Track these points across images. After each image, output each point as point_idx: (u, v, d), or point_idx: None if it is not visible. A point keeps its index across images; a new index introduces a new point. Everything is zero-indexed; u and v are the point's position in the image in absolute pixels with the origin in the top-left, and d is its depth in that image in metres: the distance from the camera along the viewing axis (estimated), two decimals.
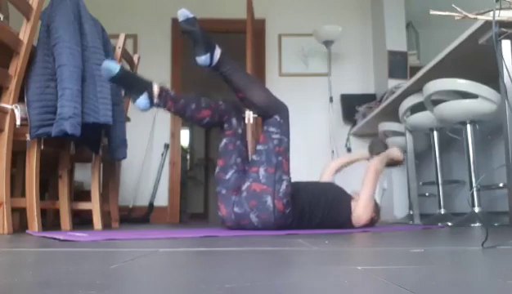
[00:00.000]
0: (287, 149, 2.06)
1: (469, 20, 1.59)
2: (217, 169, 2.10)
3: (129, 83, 1.94)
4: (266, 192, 1.95)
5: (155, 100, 1.98)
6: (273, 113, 2.07)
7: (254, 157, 2.04)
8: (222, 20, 4.53)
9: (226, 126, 2.12)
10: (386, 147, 2.43)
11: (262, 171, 1.98)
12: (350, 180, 2.94)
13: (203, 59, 1.99)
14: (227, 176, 2.03)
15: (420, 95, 2.74)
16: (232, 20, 4.49)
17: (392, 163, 2.44)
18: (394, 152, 2.42)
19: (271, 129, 2.06)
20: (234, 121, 2.12)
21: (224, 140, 2.11)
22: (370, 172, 2.23)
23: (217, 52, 2.03)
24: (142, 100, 1.95)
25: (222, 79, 2.10)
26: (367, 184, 2.20)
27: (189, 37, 2.01)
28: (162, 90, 1.99)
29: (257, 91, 2.08)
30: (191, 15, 1.99)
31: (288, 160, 2.05)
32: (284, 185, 1.98)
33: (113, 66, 1.87)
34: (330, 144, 4.29)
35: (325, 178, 2.56)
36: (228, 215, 2.01)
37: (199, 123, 2.11)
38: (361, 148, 4.41)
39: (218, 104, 2.09)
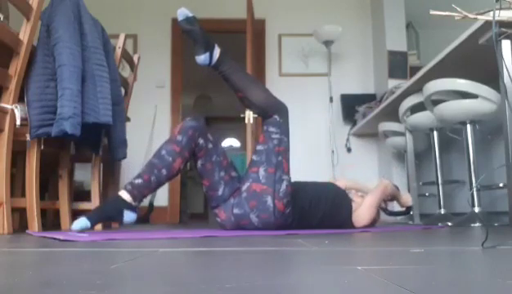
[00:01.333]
0: (287, 149, 2.06)
1: (469, 19, 1.59)
2: (204, 188, 2.04)
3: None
4: (266, 192, 1.95)
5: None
6: (273, 112, 2.07)
7: (254, 157, 2.04)
8: (222, 19, 4.53)
9: (196, 150, 1.98)
10: (397, 189, 2.40)
11: (261, 171, 1.98)
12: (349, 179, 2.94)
13: (202, 58, 2.00)
14: (220, 193, 2.00)
15: (420, 95, 2.74)
16: (232, 20, 4.49)
17: (397, 211, 2.44)
18: (406, 195, 2.40)
19: (271, 129, 2.05)
20: (200, 141, 1.98)
21: (199, 162, 1.99)
22: (380, 187, 2.24)
23: (217, 51, 2.03)
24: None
25: (221, 78, 2.10)
26: (375, 194, 2.21)
27: (188, 36, 2.02)
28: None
29: (256, 90, 2.08)
30: (191, 14, 2.00)
31: (288, 160, 2.05)
32: (284, 185, 1.98)
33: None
34: (330, 144, 4.29)
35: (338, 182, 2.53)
36: (227, 218, 2.00)
37: (176, 175, 1.99)
38: (360, 148, 4.41)
39: (178, 142, 1.94)
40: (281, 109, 2.09)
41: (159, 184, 1.94)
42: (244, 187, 1.98)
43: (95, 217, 1.85)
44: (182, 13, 1.99)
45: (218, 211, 2.02)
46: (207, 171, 1.99)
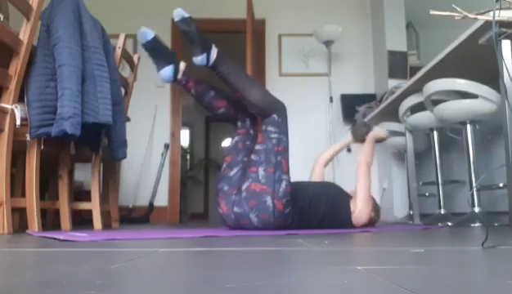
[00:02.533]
0: (286, 149, 2.06)
1: (469, 19, 1.58)
2: (223, 165, 2.13)
3: (159, 52, 2.05)
4: (265, 192, 1.95)
5: (179, 76, 2.09)
6: (271, 112, 2.07)
7: (253, 157, 2.04)
8: (222, 19, 4.53)
9: (239, 124, 2.18)
10: (369, 128, 2.45)
11: (261, 170, 1.98)
12: (349, 179, 2.94)
13: (199, 59, 2.01)
14: (232, 173, 2.05)
15: (420, 95, 2.74)
16: (232, 20, 4.49)
17: (377, 141, 2.50)
18: (377, 133, 2.46)
19: (270, 128, 2.05)
20: (248, 121, 2.17)
21: (235, 138, 2.16)
22: (362, 167, 2.24)
23: (214, 52, 2.04)
24: (167, 71, 2.06)
25: (219, 79, 2.10)
26: (361, 181, 2.21)
27: (185, 36, 2.02)
28: (187, 69, 2.10)
29: (254, 90, 2.09)
30: (187, 15, 2.01)
31: (287, 160, 2.05)
32: (283, 185, 1.97)
33: (148, 32, 2.01)
34: (330, 144, 4.29)
35: (317, 173, 2.57)
36: (228, 213, 2.01)
37: (214, 112, 2.17)
38: (360, 148, 4.41)
39: (237, 99, 2.15)
40: (280, 109, 2.09)
41: (201, 94, 2.14)
42: (244, 186, 1.98)
43: (159, 40, 2.04)
44: (179, 14, 2.00)
45: (221, 201, 2.04)
46: (236, 149, 2.13)
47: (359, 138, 2.51)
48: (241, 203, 1.97)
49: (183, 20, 2.00)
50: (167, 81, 2.09)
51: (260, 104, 2.07)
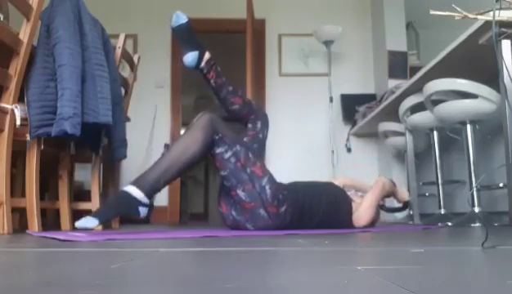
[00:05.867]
0: (247, 154, 1.93)
1: (469, 20, 1.59)
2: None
3: (187, 38, 2.08)
4: (256, 206, 1.93)
5: (202, 64, 2.10)
6: (210, 142, 1.89)
7: (225, 182, 1.94)
8: (222, 19, 4.53)
9: (250, 126, 2.18)
10: (394, 185, 2.40)
11: (240, 192, 1.91)
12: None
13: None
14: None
15: (420, 95, 2.74)
16: (232, 20, 4.48)
17: (395, 208, 2.46)
18: (402, 190, 2.40)
19: (219, 150, 1.91)
20: (259, 124, 2.17)
21: (244, 139, 2.15)
22: (378, 185, 2.23)
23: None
24: (192, 56, 2.07)
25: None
26: (374, 192, 2.20)
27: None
28: (211, 59, 2.12)
29: (188, 145, 1.87)
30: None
31: (256, 162, 1.94)
32: (268, 189, 1.93)
33: (182, 17, 2.04)
34: (330, 144, 4.29)
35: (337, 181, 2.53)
36: (227, 214, 2.01)
37: (228, 107, 2.19)
38: (360, 148, 4.41)
39: (252, 102, 2.23)
40: (212, 126, 1.90)
41: (220, 86, 2.16)
42: (236, 201, 1.97)
43: (190, 26, 2.06)
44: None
45: (221, 200, 2.03)
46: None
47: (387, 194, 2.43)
48: (238, 212, 1.97)
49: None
50: (189, 66, 2.10)
51: (203, 152, 1.90)
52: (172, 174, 1.80)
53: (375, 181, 2.29)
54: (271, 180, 1.96)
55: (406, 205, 2.39)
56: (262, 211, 1.93)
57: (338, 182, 2.45)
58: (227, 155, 1.91)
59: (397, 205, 2.46)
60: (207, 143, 1.87)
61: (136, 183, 1.74)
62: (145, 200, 1.73)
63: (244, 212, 1.95)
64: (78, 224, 1.61)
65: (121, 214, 1.84)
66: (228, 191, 1.97)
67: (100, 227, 2.30)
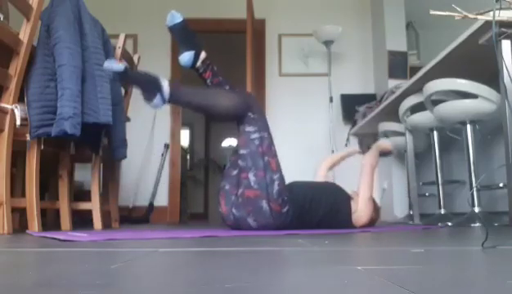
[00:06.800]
0: (270, 145, 2.00)
1: (469, 19, 1.59)
2: (228, 164, 2.13)
3: (182, 37, 2.09)
4: (260, 197, 1.93)
5: (198, 63, 2.10)
6: (244, 111, 1.99)
7: (240, 162, 1.99)
8: (222, 19, 4.52)
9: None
10: (375, 139, 2.46)
11: (251, 176, 1.94)
12: (350, 179, 2.94)
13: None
14: (234, 172, 2.04)
15: (420, 95, 2.74)
16: (232, 20, 4.48)
17: (382, 154, 2.48)
18: (383, 143, 2.45)
19: (248, 128, 1.98)
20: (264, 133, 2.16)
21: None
22: (366, 169, 2.23)
23: (166, 87, 1.94)
24: (188, 55, 2.07)
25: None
26: (364, 182, 2.20)
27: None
28: (207, 59, 2.12)
29: (218, 101, 2.01)
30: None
31: (274, 156, 1.99)
32: (276, 185, 1.95)
33: (177, 16, 2.08)
34: (330, 144, 4.29)
35: (320, 176, 2.56)
36: (228, 213, 2.01)
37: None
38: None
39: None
40: (250, 103, 2.02)
41: (216, 85, 2.14)
42: (239, 192, 1.98)
43: (186, 24, 2.06)
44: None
45: (221, 200, 2.03)
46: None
47: (365, 147, 2.51)
48: (239, 207, 1.97)
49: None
50: (185, 66, 2.10)
51: (231, 111, 2.00)
52: (196, 101, 1.98)
53: (361, 167, 2.27)
54: (282, 178, 1.99)
55: (391, 151, 2.50)
56: (264, 205, 1.93)
57: (323, 173, 2.49)
58: (254, 136, 1.97)
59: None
60: (238, 109, 1.99)
61: (170, 80, 1.89)
62: (165, 95, 1.87)
63: (246, 205, 1.94)
64: (106, 64, 1.81)
65: (142, 84, 1.91)
66: (238, 173, 1.99)
67: (100, 227, 2.31)
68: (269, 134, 2.02)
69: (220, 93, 2.10)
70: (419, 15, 4.40)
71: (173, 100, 1.96)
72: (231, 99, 2.02)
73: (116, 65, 1.83)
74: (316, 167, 2.62)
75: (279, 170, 1.99)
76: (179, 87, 1.99)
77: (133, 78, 1.94)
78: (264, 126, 2.00)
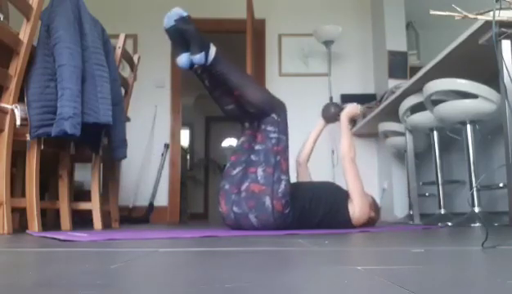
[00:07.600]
0: (285, 148, 2.05)
1: (469, 20, 1.59)
2: (228, 164, 2.13)
3: (178, 39, 2.09)
4: (264, 192, 1.94)
5: (210, 60, 2.06)
6: (270, 111, 2.06)
7: (253, 157, 2.04)
8: (222, 19, 4.53)
9: (247, 124, 2.18)
10: (339, 106, 2.43)
11: (260, 171, 1.98)
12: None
13: (198, 57, 2.00)
14: (234, 172, 2.05)
15: (420, 95, 2.74)
16: (232, 20, 4.49)
17: (352, 120, 2.47)
18: (350, 109, 2.41)
19: (269, 128, 2.05)
20: (256, 122, 2.16)
21: (242, 138, 2.17)
22: (346, 164, 2.20)
23: (213, 51, 2.03)
24: (184, 57, 2.06)
25: (218, 78, 2.09)
26: (350, 178, 2.17)
27: (184, 35, 2.04)
28: (218, 53, 2.08)
29: (253, 89, 2.08)
30: (185, 14, 2.03)
31: (286, 159, 2.04)
32: (282, 185, 1.97)
33: (172, 18, 2.08)
34: (330, 144, 4.29)
35: (302, 175, 2.54)
36: (228, 212, 2.01)
37: (224, 107, 2.19)
38: (360, 148, 4.40)
39: (236, 98, 2.17)
40: (279, 108, 2.08)
41: (217, 82, 2.12)
42: (244, 187, 1.98)
43: (193, 25, 2.04)
44: (177, 13, 2.02)
45: (221, 200, 2.04)
46: (242, 149, 2.14)
47: (331, 118, 2.48)
48: (240, 204, 1.97)
49: (182, 18, 2.01)
50: (182, 67, 2.09)
51: (259, 104, 2.06)
52: (233, 78, 2.04)
53: (342, 163, 2.22)
54: (289, 181, 2.02)
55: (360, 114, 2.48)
56: (267, 201, 1.93)
57: (303, 166, 2.50)
58: (272, 136, 2.03)
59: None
60: (266, 105, 2.05)
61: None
62: (211, 56, 1.99)
63: (249, 199, 1.95)
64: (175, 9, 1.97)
65: (193, 36, 2.00)
66: (245, 168, 2.01)
67: (100, 227, 2.31)
68: (287, 139, 2.07)
69: (257, 84, 2.21)
70: (419, 15, 4.40)
71: (214, 63, 2.02)
72: (263, 94, 2.10)
73: (180, 11, 2.01)
74: (296, 168, 2.59)
75: (287, 173, 2.03)
76: (224, 57, 2.06)
77: (190, 27, 2.01)
78: (284, 131, 2.06)
